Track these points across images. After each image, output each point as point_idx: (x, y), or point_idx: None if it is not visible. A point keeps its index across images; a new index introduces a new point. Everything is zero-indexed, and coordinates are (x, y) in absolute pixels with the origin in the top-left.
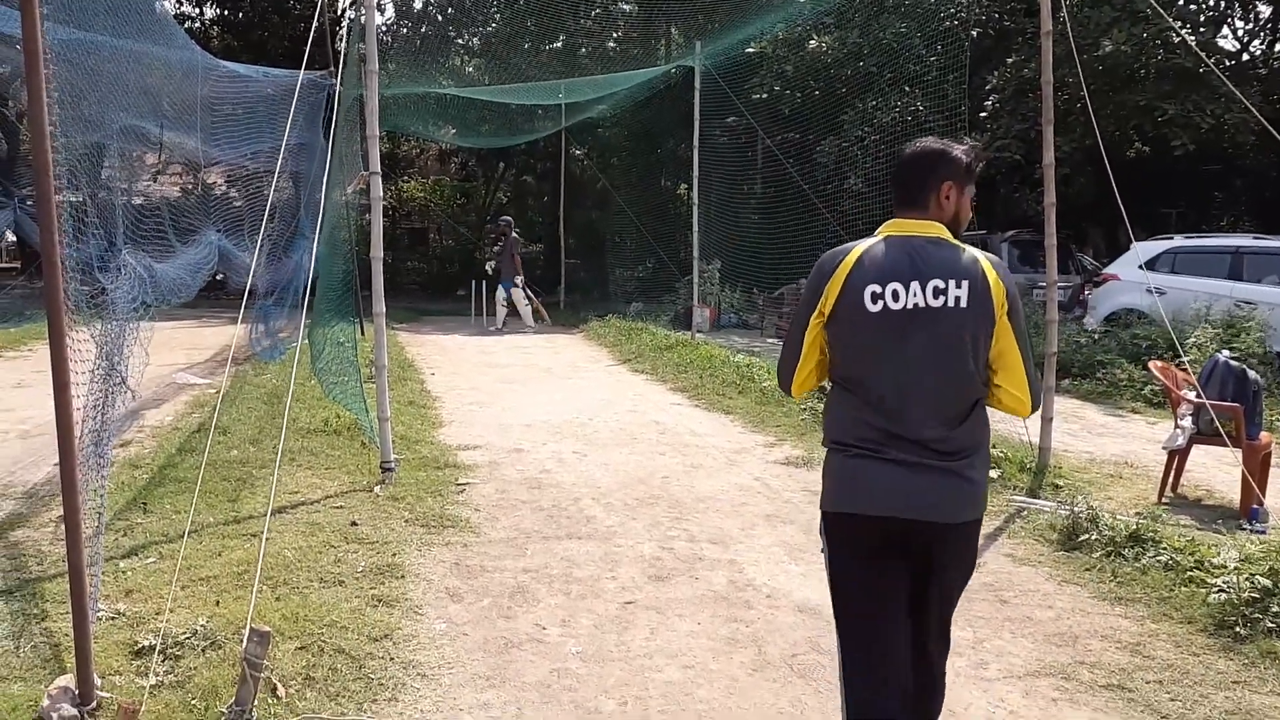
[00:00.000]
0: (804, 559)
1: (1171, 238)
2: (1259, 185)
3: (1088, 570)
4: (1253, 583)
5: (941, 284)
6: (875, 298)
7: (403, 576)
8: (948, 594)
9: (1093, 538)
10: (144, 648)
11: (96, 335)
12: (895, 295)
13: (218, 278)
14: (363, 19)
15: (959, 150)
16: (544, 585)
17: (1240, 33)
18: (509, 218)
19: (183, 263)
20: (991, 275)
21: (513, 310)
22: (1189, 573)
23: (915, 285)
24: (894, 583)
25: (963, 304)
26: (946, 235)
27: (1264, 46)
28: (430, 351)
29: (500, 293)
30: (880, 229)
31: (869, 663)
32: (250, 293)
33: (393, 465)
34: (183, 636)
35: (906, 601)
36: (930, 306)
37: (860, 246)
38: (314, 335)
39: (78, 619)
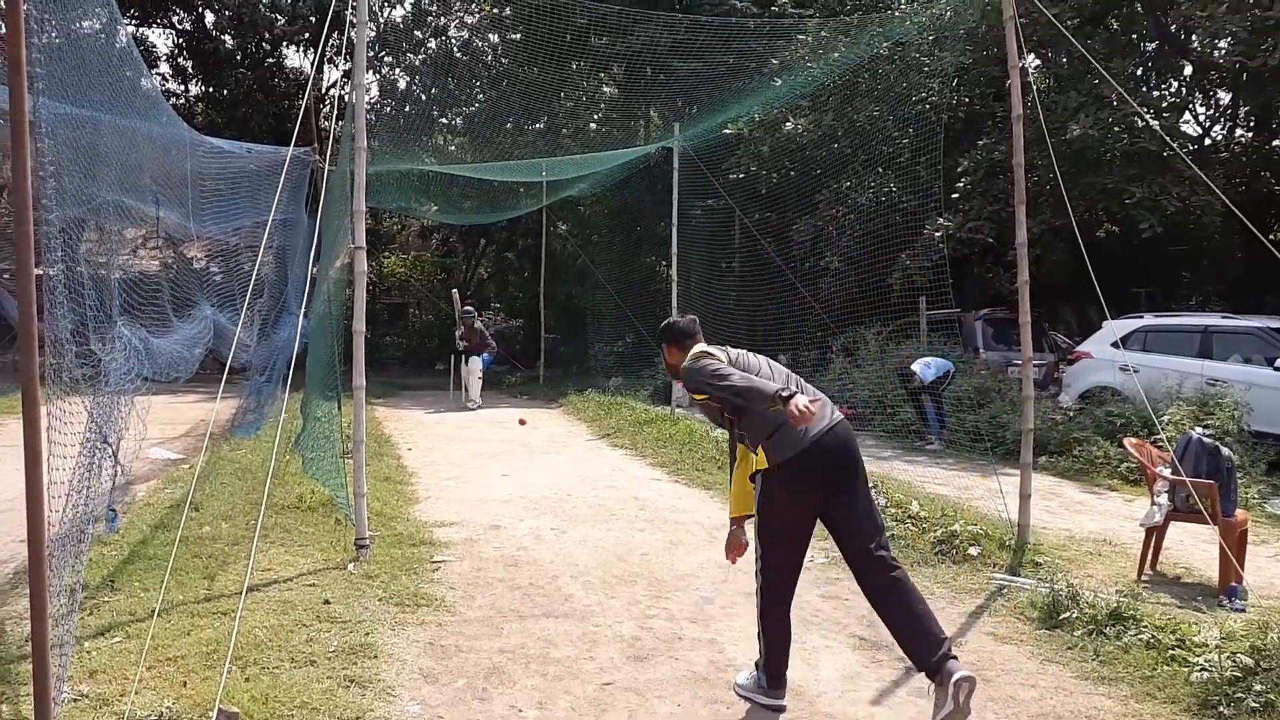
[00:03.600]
0: None
1: (1142, 316)
2: (1224, 266)
3: (1069, 649)
4: (1235, 661)
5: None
6: (735, 357)
7: (376, 656)
8: (867, 505)
9: (1074, 616)
10: None
11: (88, 407)
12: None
13: (196, 351)
14: (352, 99)
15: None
16: (520, 666)
17: (1202, 118)
18: (470, 310)
19: (180, 338)
20: None
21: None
22: (1171, 651)
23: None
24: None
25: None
26: None
27: (1224, 131)
28: (407, 426)
29: (475, 364)
30: (696, 349)
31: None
32: (242, 370)
33: (367, 542)
34: (148, 719)
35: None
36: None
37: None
38: (303, 410)
39: (39, 701)
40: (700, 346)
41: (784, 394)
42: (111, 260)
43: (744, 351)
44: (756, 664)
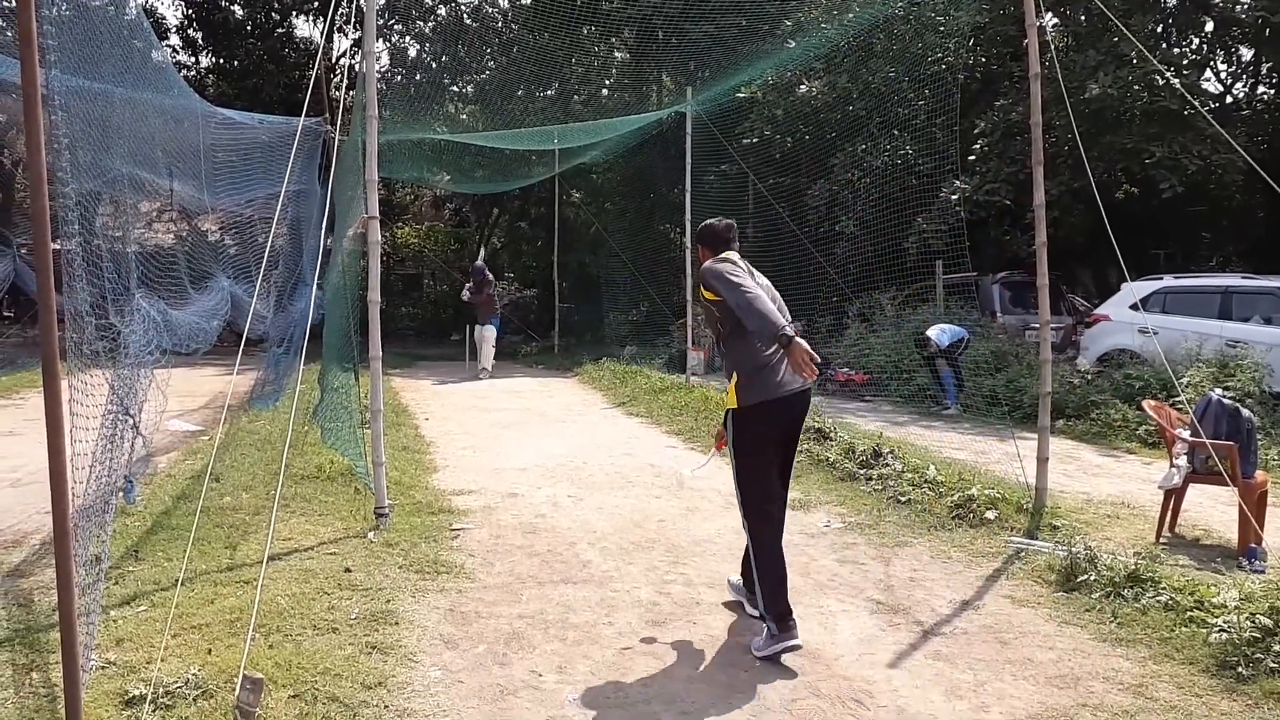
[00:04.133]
0: (802, 602)
1: (1161, 278)
2: (1245, 225)
3: (1087, 611)
4: (1254, 622)
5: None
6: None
7: (397, 623)
8: (794, 451)
9: (1092, 578)
10: (135, 697)
11: (110, 379)
12: (761, 279)
13: (214, 323)
14: (362, 68)
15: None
16: (540, 631)
17: (1223, 75)
18: (480, 264)
19: (197, 309)
20: None
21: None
22: (1189, 613)
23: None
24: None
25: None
26: None
27: (1246, 89)
28: (424, 396)
29: (489, 331)
30: (726, 255)
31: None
32: (259, 341)
33: (387, 511)
34: (174, 685)
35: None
36: (769, 287)
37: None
38: (321, 381)
39: (68, 668)
40: (730, 254)
41: (788, 334)
42: (127, 234)
43: (761, 275)
44: (762, 617)
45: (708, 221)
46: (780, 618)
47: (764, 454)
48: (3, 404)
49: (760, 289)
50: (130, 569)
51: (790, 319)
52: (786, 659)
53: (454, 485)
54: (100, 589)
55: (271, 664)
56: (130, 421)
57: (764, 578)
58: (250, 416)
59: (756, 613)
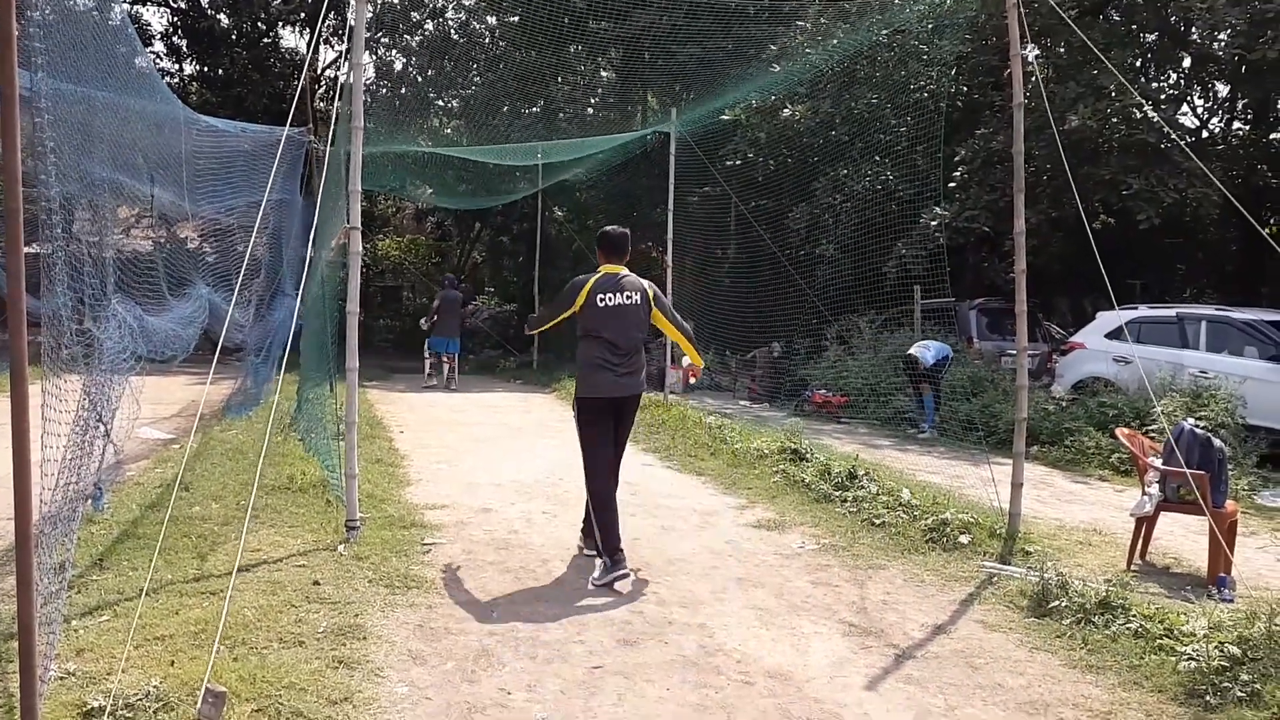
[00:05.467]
0: (775, 624)
1: (1136, 308)
2: (1220, 258)
3: (1058, 637)
4: (1222, 651)
5: (629, 294)
6: (602, 300)
7: (364, 638)
8: (628, 431)
9: (1063, 604)
10: (94, 709)
11: (84, 384)
12: (610, 299)
13: (191, 331)
14: (348, 79)
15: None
16: (510, 649)
17: (1200, 110)
18: (451, 275)
19: (175, 316)
20: (648, 289)
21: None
22: (1159, 640)
23: (617, 295)
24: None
25: (637, 302)
26: (626, 270)
27: (1222, 125)
28: (400, 409)
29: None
30: (600, 269)
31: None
32: (236, 350)
33: (358, 524)
34: (134, 698)
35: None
36: (624, 304)
37: (595, 276)
38: (300, 391)
39: (25, 678)
40: (610, 270)
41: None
42: (104, 239)
43: (622, 304)
44: (598, 552)
45: (606, 228)
46: (613, 553)
47: (594, 431)
48: None
49: (612, 311)
50: (94, 578)
51: (642, 342)
52: (758, 680)
53: (427, 499)
54: (63, 598)
55: (235, 677)
56: (102, 429)
57: (599, 520)
58: (222, 426)
59: (594, 553)
